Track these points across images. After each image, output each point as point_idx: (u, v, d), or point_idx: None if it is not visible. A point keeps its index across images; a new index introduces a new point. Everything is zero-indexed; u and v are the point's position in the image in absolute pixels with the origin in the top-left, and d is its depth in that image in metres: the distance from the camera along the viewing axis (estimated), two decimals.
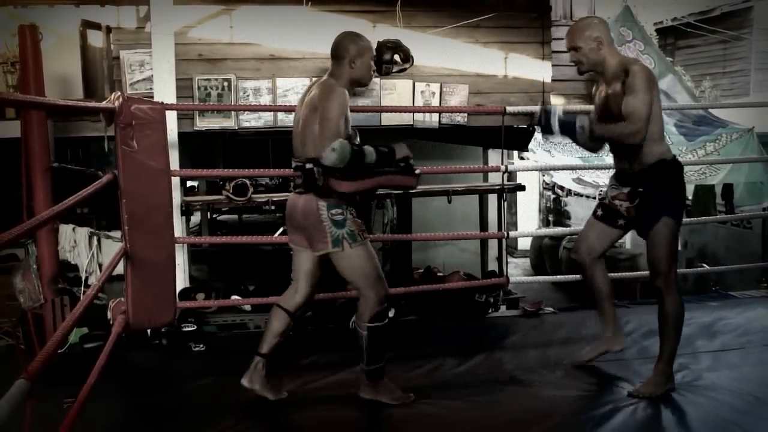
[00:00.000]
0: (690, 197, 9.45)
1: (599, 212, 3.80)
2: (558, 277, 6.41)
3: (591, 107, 3.75)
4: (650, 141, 3.42)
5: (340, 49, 3.37)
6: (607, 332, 3.95)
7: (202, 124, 5.54)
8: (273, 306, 3.58)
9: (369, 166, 3.23)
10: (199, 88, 5.55)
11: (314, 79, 4.77)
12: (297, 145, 3.39)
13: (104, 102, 3.98)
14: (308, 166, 3.27)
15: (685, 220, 9.32)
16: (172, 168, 4.23)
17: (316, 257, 3.42)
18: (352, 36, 3.43)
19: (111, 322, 4.40)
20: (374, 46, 5.45)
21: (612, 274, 6.07)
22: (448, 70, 6.01)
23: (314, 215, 3.28)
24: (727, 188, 8.47)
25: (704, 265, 8.82)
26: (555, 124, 3.51)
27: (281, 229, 8.40)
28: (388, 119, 5.88)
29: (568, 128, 3.50)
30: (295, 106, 5.44)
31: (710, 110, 8.32)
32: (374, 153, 3.21)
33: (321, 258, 3.42)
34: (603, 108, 3.53)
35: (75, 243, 4.74)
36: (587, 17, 3.54)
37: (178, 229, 4.70)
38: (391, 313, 4.92)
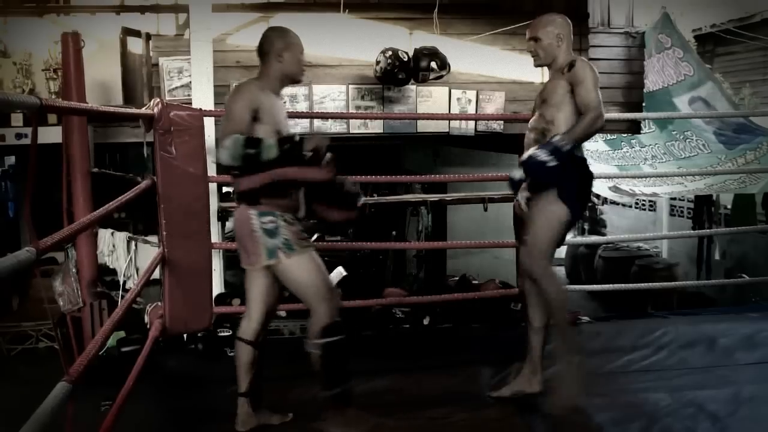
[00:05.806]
0: (729, 207, 9.33)
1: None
2: (593, 286, 6.35)
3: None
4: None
5: (265, 45, 3.21)
6: (526, 369, 3.69)
7: None
8: (235, 340, 3.30)
9: (270, 161, 2.96)
10: None
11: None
12: None
13: (144, 108, 4.03)
14: (234, 173, 3.09)
15: (724, 229, 9.29)
16: (209, 174, 4.27)
17: (269, 274, 3.19)
18: (277, 30, 3.28)
19: (148, 326, 4.45)
20: (412, 52, 5.49)
21: (648, 284, 6.06)
22: (484, 77, 5.98)
23: (246, 226, 3.08)
24: None
25: (743, 275, 8.68)
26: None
27: (316, 236, 8.40)
28: (424, 126, 5.88)
29: (535, 166, 3.35)
30: (332, 113, 5.49)
31: (750, 118, 8.18)
32: (274, 147, 2.95)
33: (274, 274, 3.19)
34: (541, 99, 3.53)
35: (113, 247, 4.80)
36: (554, 14, 3.53)
37: (215, 235, 4.73)
38: (426, 321, 4.94)
